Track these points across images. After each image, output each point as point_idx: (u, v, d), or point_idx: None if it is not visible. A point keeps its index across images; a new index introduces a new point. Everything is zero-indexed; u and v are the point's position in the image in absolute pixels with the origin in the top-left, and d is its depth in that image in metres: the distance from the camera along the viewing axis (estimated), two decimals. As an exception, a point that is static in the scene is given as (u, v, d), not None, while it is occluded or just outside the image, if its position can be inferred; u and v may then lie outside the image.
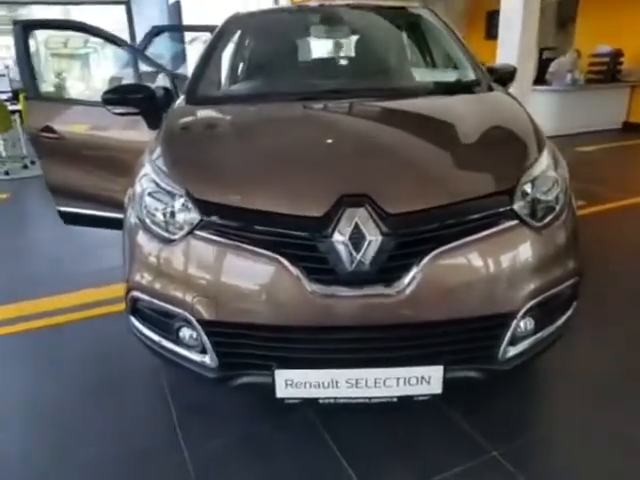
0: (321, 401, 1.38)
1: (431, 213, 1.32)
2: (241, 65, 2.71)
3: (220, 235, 1.35)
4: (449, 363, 1.36)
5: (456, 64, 2.34)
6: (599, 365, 1.94)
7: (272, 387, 1.35)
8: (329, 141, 1.61)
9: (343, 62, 2.81)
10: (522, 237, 1.39)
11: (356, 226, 1.28)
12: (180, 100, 2.12)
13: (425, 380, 1.35)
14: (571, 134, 7.04)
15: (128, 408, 1.78)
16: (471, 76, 2.16)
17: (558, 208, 1.48)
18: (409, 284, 1.28)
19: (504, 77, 2.32)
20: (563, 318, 1.54)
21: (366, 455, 1.53)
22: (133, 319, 1.56)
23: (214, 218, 1.36)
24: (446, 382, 1.35)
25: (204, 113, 1.98)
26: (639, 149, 6.50)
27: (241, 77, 2.66)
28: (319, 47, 2.73)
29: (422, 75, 2.49)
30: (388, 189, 1.36)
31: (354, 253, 1.27)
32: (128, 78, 3.88)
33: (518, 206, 1.39)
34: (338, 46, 3.20)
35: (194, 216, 1.39)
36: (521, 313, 1.38)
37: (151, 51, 4.19)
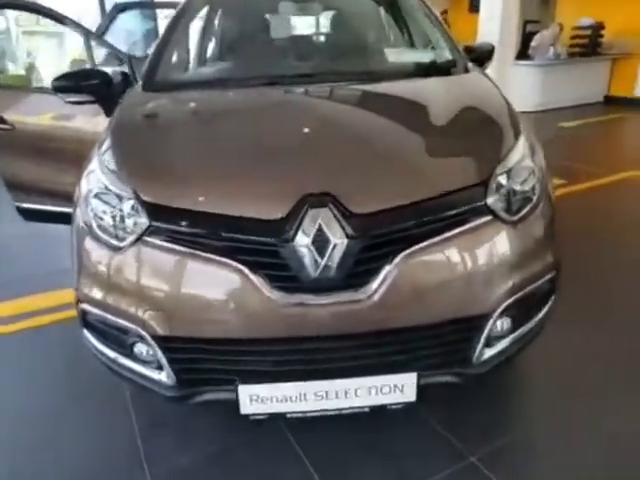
0: (289, 415, 1.30)
1: (399, 212, 1.22)
2: (204, 46, 2.54)
3: (172, 242, 1.23)
4: (422, 369, 1.29)
5: (431, 43, 2.21)
6: (579, 364, 1.86)
7: (236, 403, 1.26)
8: (292, 134, 1.48)
9: (314, 42, 2.66)
10: (497, 233, 1.30)
11: (319, 228, 1.18)
12: (137, 86, 1.96)
13: (398, 388, 1.28)
14: (553, 109, 6.99)
15: (88, 421, 1.68)
16: (447, 56, 2.05)
17: (534, 199, 1.39)
18: (378, 289, 1.19)
19: (482, 56, 2.21)
20: (541, 314, 1.47)
21: (339, 466, 1.46)
22: (86, 332, 1.45)
23: (163, 223, 1.24)
24: (420, 389, 1.29)
25: (160, 101, 1.82)
26: (620, 123, 6.47)
27: (204, 60, 2.50)
28: (287, 25, 2.55)
29: (395, 56, 2.35)
30: (353, 187, 1.25)
31: (318, 258, 1.17)
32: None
33: (492, 200, 1.31)
34: (309, 24, 3.03)
35: (143, 220, 1.27)
36: (497, 313, 1.31)
37: (120, 29, 3.93)
